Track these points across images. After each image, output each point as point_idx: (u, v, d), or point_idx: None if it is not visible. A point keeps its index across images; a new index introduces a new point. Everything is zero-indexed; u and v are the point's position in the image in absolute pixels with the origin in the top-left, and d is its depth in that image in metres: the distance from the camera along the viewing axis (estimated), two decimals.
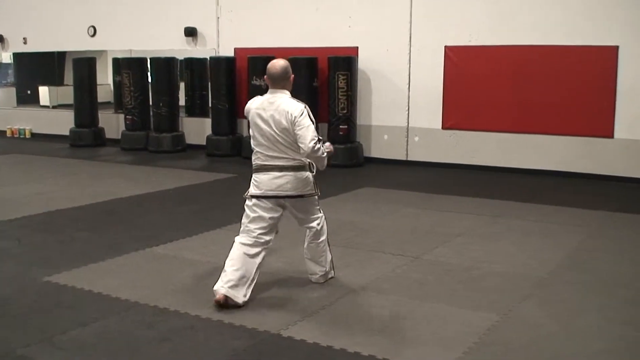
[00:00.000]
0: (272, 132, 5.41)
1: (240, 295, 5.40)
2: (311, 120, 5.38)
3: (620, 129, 11.11)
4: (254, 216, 5.58)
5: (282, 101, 5.43)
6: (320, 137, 5.45)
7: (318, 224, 5.86)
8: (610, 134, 11.19)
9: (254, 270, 5.51)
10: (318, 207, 5.89)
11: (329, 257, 6.03)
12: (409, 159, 12.86)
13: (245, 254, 5.50)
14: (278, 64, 5.49)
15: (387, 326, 5.11)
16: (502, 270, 6.47)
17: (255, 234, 5.56)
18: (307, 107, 5.47)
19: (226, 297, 5.36)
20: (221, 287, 5.40)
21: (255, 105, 5.53)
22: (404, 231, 7.93)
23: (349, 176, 11.65)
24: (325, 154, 5.44)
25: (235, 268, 5.44)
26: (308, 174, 5.56)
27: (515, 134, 11.93)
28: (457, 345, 4.75)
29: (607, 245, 7.43)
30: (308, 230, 5.88)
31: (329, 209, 8.94)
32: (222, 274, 5.47)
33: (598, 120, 11.25)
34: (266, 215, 5.56)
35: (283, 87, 5.50)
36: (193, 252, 7.00)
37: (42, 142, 16.73)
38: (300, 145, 5.31)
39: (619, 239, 7.71)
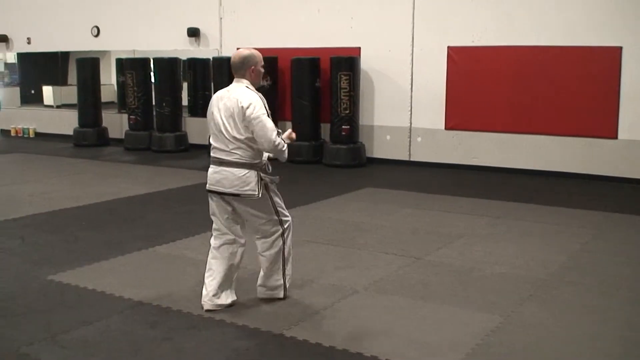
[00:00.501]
0: (220, 121, 5.25)
1: (227, 300, 5.42)
2: (266, 111, 5.18)
3: (624, 130, 11.11)
4: (211, 213, 5.50)
5: (237, 91, 5.23)
6: (279, 130, 5.26)
7: (267, 239, 5.43)
8: (613, 135, 11.19)
9: (231, 273, 5.44)
10: (272, 218, 5.38)
11: (280, 280, 5.57)
12: (411, 159, 12.87)
13: (215, 258, 5.43)
14: (238, 53, 5.32)
15: (389, 327, 5.12)
16: (503, 271, 6.48)
17: (217, 233, 5.48)
18: (263, 98, 5.25)
19: (215, 308, 5.37)
20: (205, 302, 5.38)
21: (215, 95, 5.43)
22: (406, 232, 7.94)
23: (352, 176, 11.66)
24: (285, 147, 5.21)
25: (212, 278, 5.39)
26: (248, 172, 5.18)
27: (518, 134, 11.93)
28: (460, 346, 4.77)
29: (609, 247, 7.43)
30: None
31: (331, 209, 9.01)
32: (204, 286, 5.43)
33: (601, 121, 11.25)
34: (216, 211, 5.43)
35: (242, 77, 5.29)
36: (196, 251, 7.01)
37: (45, 141, 16.77)
38: (260, 141, 5.10)
39: (621, 240, 7.71)
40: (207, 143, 14.24)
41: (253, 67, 5.30)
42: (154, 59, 15.22)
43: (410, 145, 12.87)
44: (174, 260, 6.76)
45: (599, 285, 6.11)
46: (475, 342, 4.84)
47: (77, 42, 16.97)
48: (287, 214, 5.48)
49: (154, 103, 15.23)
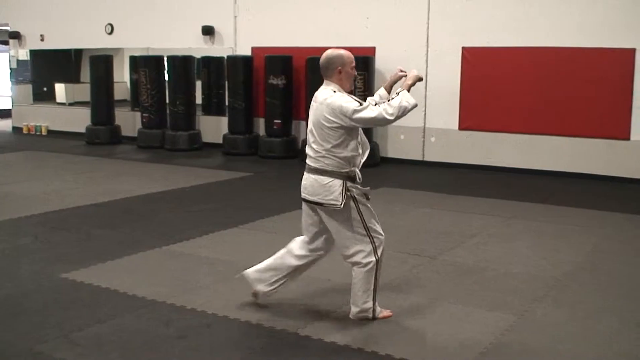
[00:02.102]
0: (310, 126, 5.02)
1: (260, 285, 5.28)
2: (358, 102, 4.82)
3: (637, 131, 11.07)
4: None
5: (323, 95, 4.98)
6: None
7: (354, 260, 5.01)
8: (627, 136, 11.14)
9: (286, 269, 5.24)
10: (360, 234, 4.95)
11: (364, 299, 5.11)
12: (425, 159, 12.84)
13: (290, 248, 5.26)
14: (325, 53, 5.06)
15: (404, 326, 5.11)
16: (517, 271, 6.46)
17: (303, 235, 5.27)
18: (355, 97, 4.90)
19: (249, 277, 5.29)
20: (249, 269, 5.31)
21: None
22: (420, 231, 7.92)
23: (366, 176, 11.49)
24: (403, 104, 4.74)
25: (270, 258, 5.28)
26: (332, 180, 4.88)
27: (531, 135, 11.90)
28: (474, 345, 4.75)
29: (622, 247, 7.40)
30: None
31: None
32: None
33: (615, 122, 11.21)
34: (304, 217, 5.20)
35: (330, 79, 5.03)
36: (210, 250, 7.02)
37: (58, 139, 16.82)
38: (377, 128, 4.83)
39: (635, 241, 7.67)
40: (220, 141, 14.40)
41: (340, 68, 4.99)
42: (167, 57, 15.24)
43: (424, 145, 12.84)
44: (188, 258, 6.75)
45: (613, 286, 6.08)
46: (489, 341, 4.82)
47: (90, 39, 17.01)
48: (380, 232, 5.07)
49: (167, 101, 15.22)
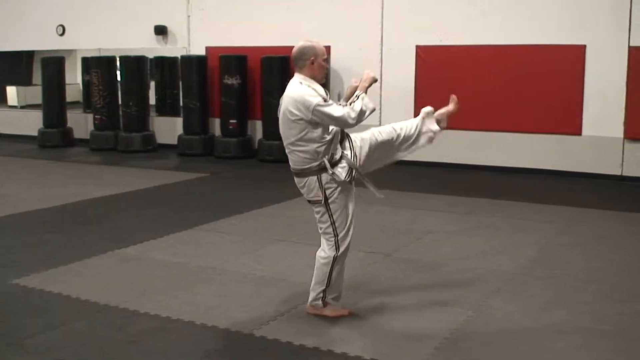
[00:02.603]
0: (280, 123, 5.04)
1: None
2: (323, 97, 4.79)
3: (588, 126, 11.22)
4: None
5: (289, 87, 4.95)
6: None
7: (320, 249, 5.12)
8: (578, 132, 11.29)
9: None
10: (327, 228, 5.03)
11: (316, 290, 5.19)
12: None
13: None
14: (298, 45, 4.99)
15: (360, 323, 5.10)
16: (472, 266, 6.50)
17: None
18: (320, 88, 4.87)
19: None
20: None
21: None
22: (376, 229, 7.93)
23: None
24: (362, 107, 4.80)
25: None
26: (305, 179, 4.95)
27: (487, 132, 12.00)
28: (429, 340, 4.77)
29: (576, 241, 7.49)
30: None
31: (299, 207, 8.95)
32: None
33: (567, 118, 11.35)
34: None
35: (299, 70, 4.96)
36: (163, 252, 6.94)
37: (9, 142, 16.49)
38: (338, 126, 4.89)
39: (588, 235, 7.77)
40: (175, 142, 14.28)
41: (313, 58, 4.91)
42: (120, 58, 15.05)
43: None
44: (141, 262, 6.67)
45: (567, 279, 6.15)
46: (445, 336, 4.85)
47: (42, 41, 16.75)
48: (347, 231, 5.10)
49: (120, 102, 15.04)
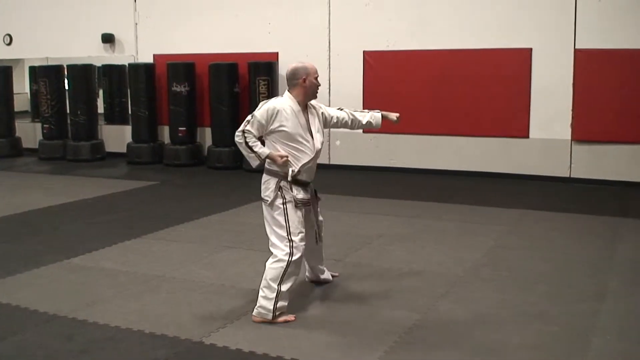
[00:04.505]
0: None
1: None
2: (254, 116, 5.32)
3: (535, 129, 11.42)
4: None
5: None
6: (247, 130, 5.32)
7: (271, 255, 5.32)
8: (526, 134, 11.49)
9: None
10: (281, 234, 5.30)
11: (265, 295, 5.28)
12: (331, 162, 12.94)
13: None
14: (290, 66, 5.53)
15: (308, 329, 5.14)
16: (420, 269, 6.58)
17: None
18: (285, 106, 5.35)
19: None
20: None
21: None
22: (326, 234, 7.87)
23: None
24: (243, 143, 5.34)
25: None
26: (269, 178, 5.41)
27: (435, 136, 12.14)
28: (378, 344, 4.82)
29: (522, 243, 7.63)
30: None
31: (251, 214, 8.99)
32: None
33: (514, 121, 11.53)
34: None
35: (291, 89, 5.50)
36: (112, 262, 6.90)
37: None
38: None
39: (534, 236, 7.92)
40: (124, 151, 14.19)
41: (305, 77, 5.42)
42: (67, 66, 14.88)
43: (329, 149, 12.93)
44: (90, 271, 6.62)
45: (514, 281, 6.26)
46: (394, 339, 4.91)
47: None
48: (300, 239, 5.32)
49: (68, 111, 14.89)
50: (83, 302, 5.74)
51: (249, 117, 5.32)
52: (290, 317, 5.29)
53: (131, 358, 4.69)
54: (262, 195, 5.42)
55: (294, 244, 5.25)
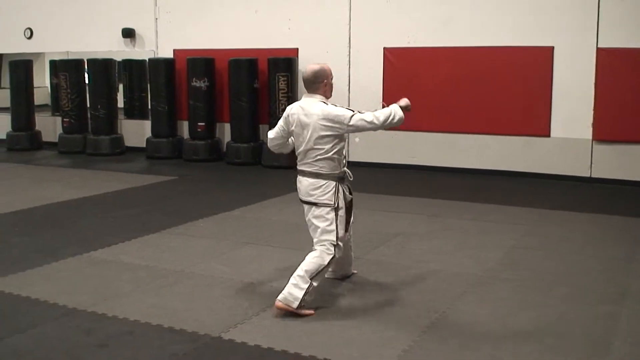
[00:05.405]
0: (299, 133, 5.53)
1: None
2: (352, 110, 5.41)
3: (557, 128, 11.34)
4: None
5: (314, 106, 5.44)
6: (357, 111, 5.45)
7: (321, 241, 5.48)
8: (547, 133, 11.41)
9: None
10: (331, 231, 5.48)
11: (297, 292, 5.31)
12: (350, 159, 12.86)
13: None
14: (310, 68, 5.52)
15: (327, 326, 5.13)
16: (439, 268, 6.55)
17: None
18: (336, 105, 5.44)
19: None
20: None
21: (291, 109, 5.60)
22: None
23: (291, 177, 11.60)
24: (391, 116, 5.48)
25: None
26: (326, 182, 5.46)
27: (455, 134, 12.08)
28: (397, 343, 4.80)
29: (543, 243, 7.56)
30: None
31: (271, 210, 9.00)
32: None
33: (535, 120, 11.46)
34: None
35: (315, 92, 5.51)
36: (132, 256, 6.92)
37: None
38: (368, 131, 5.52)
39: (554, 236, 7.85)
40: (143, 145, 14.24)
41: (326, 80, 5.52)
42: (87, 60, 14.94)
43: (348, 146, 12.89)
44: (109, 265, 6.65)
45: (534, 281, 6.21)
46: (412, 338, 4.89)
47: (9, 44, 16.60)
48: (341, 239, 5.54)
49: (88, 105, 14.95)
50: (102, 296, 5.76)
51: (351, 112, 5.38)
52: (311, 312, 5.30)
53: (150, 352, 4.69)
54: (319, 199, 5.44)
55: (337, 249, 5.45)
